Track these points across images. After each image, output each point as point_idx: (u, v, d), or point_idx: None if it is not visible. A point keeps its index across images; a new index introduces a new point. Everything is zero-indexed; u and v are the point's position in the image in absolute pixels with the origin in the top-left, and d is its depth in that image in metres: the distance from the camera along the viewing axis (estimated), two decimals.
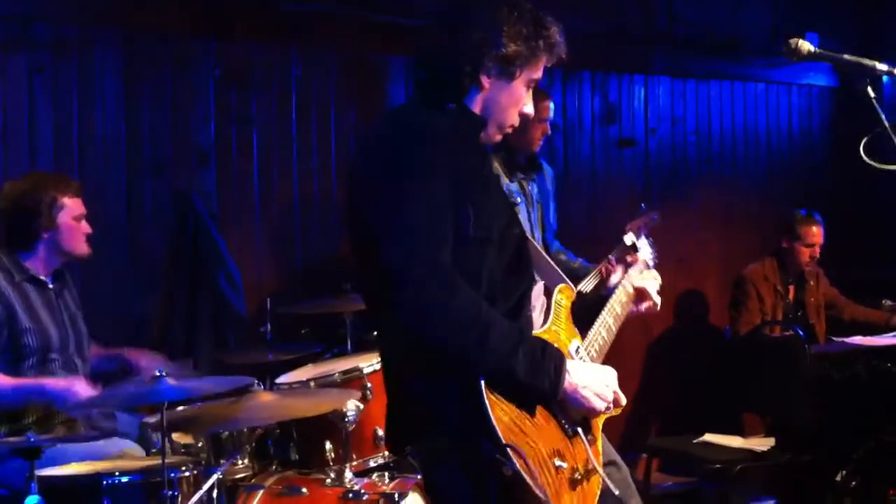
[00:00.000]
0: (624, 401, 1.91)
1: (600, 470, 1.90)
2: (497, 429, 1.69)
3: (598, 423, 1.96)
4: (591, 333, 2.06)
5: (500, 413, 1.72)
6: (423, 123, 1.86)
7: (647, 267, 2.39)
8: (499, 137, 2.00)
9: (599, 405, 1.85)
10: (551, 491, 1.74)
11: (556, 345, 1.87)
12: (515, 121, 1.99)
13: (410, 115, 1.93)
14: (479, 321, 1.72)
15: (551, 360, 1.79)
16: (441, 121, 1.88)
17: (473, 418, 1.71)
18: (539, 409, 1.82)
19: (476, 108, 1.94)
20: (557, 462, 1.79)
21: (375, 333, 2.00)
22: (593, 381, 1.85)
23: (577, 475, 1.83)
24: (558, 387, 1.79)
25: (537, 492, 1.69)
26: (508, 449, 1.68)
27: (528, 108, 1.99)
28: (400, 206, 1.75)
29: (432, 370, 1.77)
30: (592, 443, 1.91)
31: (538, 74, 1.97)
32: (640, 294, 2.27)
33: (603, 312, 2.12)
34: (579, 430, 1.88)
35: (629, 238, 2.43)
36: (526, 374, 1.75)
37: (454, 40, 1.90)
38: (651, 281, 2.29)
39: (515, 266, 1.92)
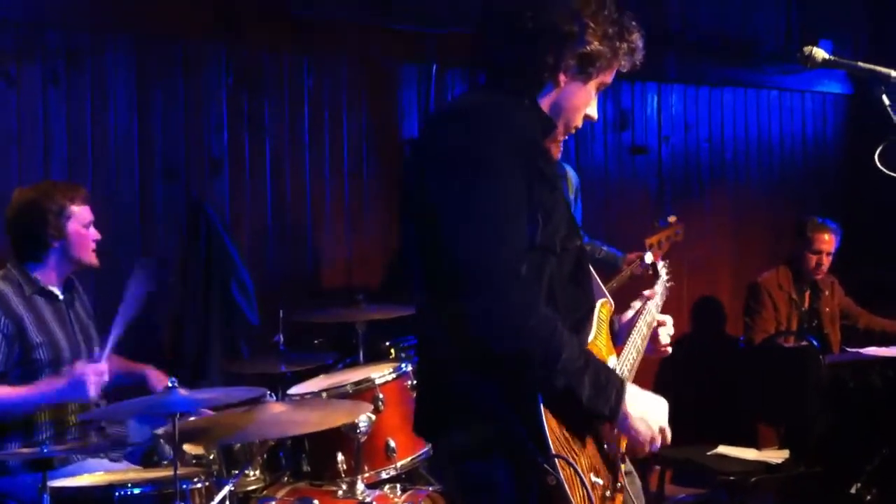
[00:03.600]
0: (669, 439, 1.85)
1: (629, 491, 1.89)
2: (548, 438, 1.67)
3: (625, 441, 1.94)
4: (625, 352, 2.04)
5: (553, 423, 1.70)
6: (501, 117, 1.74)
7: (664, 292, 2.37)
8: (562, 139, 1.92)
9: (645, 440, 1.81)
10: None
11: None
12: (580, 124, 1.90)
13: (487, 107, 1.78)
14: (551, 343, 1.67)
15: (613, 387, 1.76)
16: (517, 116, 1.77)
17: (525, 422, 1.68)
18: (583, 424, 1.80)
19: (545, 107, 1.83)
20: (594, 478, 1.77)
21: (418, 321, 1.90)
22: (647, 414, 1.81)
23: (607, 492, 1.82)
24: (617, 414, 1.77)
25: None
26: (558, 459, 1.67)
27: (593, 112, 1.90)
28: (479, 208, 1.66)
29: (487, 371, 1.72)
30: (623, 461, 1.91)
31: (610, 79, 1.88)
32: (659, 327, 2.19)
33: (633, 333, 2.09)
34: (615, 446, 1.88)
35: (649, 257, 2.39)
36: (588, 400, 1.72)
37: (537, 30, 1.78)
38: (669, 320, 2.22)
39: (576, 279, 1.85)
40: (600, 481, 1.78)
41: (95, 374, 2.82)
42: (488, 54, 1.86)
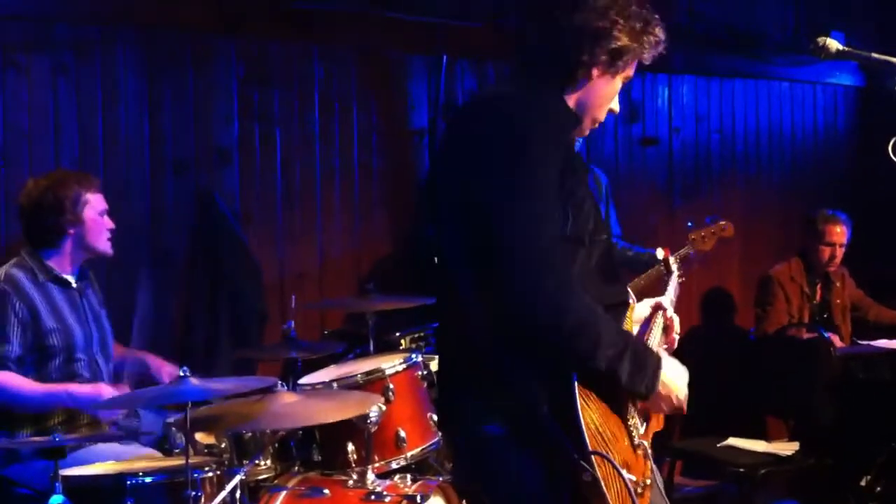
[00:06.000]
0: (685, 408, 1.91)
1: (659, 485, 1.92)
2: (585, 435, 1.69)
3: (650, 435, 1.96)
4: None
5: (589, 420, 1.72)
6: (537, 110, 1.80)
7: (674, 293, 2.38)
8: (586, 133, 1.97)
9: (664, 411, 1.90)
10: (620, 502, 1.74)
11: None
12: (603, 118, 1.95)
13: (522, 99, 1.83)
14: (591, 322, 1.71)
15: (650, 366, 1.81)
16: (550, 110, 1.83)
17: (560, 419, 1.70)
18: (615, 421, 1.81)
19: (573, 102, 1.89)
20: (626, 474, 1.78)
21: (444, 311, 1.91)
22: (672, 387, 1.88)
23: (638, 489, 1.83)
24: (653, 391, 1.82)
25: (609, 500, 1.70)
26: (594, 456, 1.68)
27: (616, 106, 1.96)
28: (523, 189, 1.71)
29: (523, 358, 1.74)
30: (651, 457, 1.92)
31: (633, 72, 1.93)
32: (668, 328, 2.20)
33: (654, 330, 2.11)
34: (645, 443, 1.90)
35: (660, 253, 2.41)
36: (628, 378, 1.76)
37: (572, 28, 1.84)
38: (677, 320, 2.23)
39: (605, 272, 1.88)
40: (633, 477, 1.80)
41: (114, 403, 2.84)
42: (520, 50, 1.91)
